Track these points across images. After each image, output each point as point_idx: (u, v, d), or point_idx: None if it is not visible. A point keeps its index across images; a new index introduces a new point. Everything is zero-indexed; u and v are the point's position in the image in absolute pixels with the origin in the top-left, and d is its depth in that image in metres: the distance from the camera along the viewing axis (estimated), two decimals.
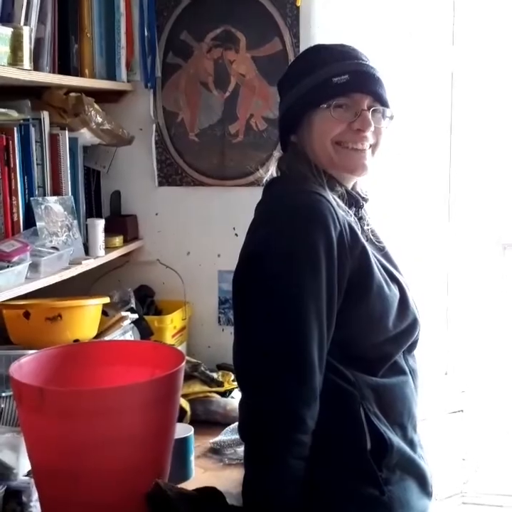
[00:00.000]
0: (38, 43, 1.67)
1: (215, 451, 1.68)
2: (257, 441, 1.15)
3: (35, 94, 1.80)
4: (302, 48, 1.97)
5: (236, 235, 2.04)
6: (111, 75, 2.00)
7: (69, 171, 1.83)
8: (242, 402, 1.20)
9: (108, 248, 1.94)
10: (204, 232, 2.12)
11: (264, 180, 1.33)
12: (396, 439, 1.19)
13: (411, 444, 1.24)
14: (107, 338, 1.78)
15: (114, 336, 1.80)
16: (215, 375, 1.94)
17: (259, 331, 1.15)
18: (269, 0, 2.01)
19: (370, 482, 1.16)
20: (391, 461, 1.18)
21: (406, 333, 1.24)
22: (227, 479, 1.52)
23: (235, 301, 1.25)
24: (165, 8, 2.05)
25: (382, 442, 1.17)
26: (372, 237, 1.28)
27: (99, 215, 2.03)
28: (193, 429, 1.59)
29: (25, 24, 1.58)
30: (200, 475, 1.58)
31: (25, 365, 1.37)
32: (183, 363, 1.39)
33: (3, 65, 1.45)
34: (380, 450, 1.17)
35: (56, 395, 1.27)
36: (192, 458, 1.58)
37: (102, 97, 1.98)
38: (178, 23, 2.05)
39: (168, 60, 2.08)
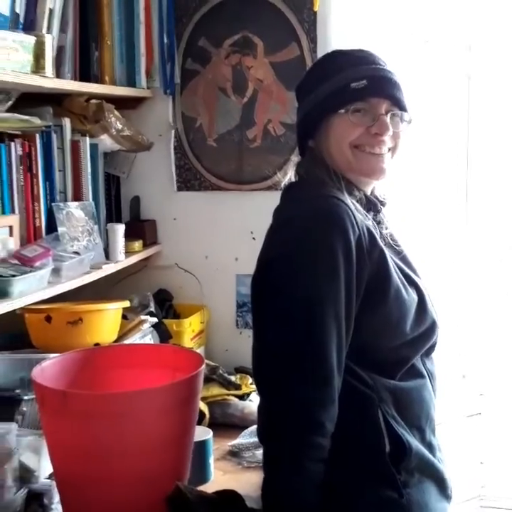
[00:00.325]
0: (60, 51, 1.69)
1: (234, 454, 1.69)
2: (275, 445, 1.16)
3: (56, 101, 1.82)
4: (319, 52, 1.98)
5: (254, 239, 2.05)
6: (131, 81, 2.02)
7: (90, 177, 1.85)
8: (260, 406, 1.21)
9: (127, 253, 1.96)
10: (222, 236, 2.14)
11: (282, 184, 1.34)
12: (414, 442, 1.20)
13: (429, 447, 1.24)
14: (126, 341, 1.80)
15: (134, 339, 1.82)
16: (233, 378, 1.95)
17: (277, 335, 1.16)
18: (286, 5, 2.02)
19: (388, 485, 1.17)
20: (410, 464, 1.18)
21: (424, 336, 1.25)
22: (246, 482, 1.53)
23: (254, 305, 1.26)
24: (184, 15, 2.07)
25: (400, 445, 1.18)
26: (390, 241, 1.29)
27: (119, 220, 2.05)
28: (211, 432, 1.60)
29: (47, 32, 1.60)
30: (220, 478, 1.59)
31: (47, 369, 1.39)
32: (203, 366, 1.41)
33: (26, 73, 1.48)
34: (399, 453, 1.18)
35: (78, 398, 1.28)
36: (211, 461, 1.59)
37: (121, 103, 2.00)
38: (197, 29, 2.07)
39: (186, 66, 2.10)
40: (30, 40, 1.49)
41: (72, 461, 1.30)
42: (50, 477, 1.40)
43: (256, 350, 1.25)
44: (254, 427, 1.75)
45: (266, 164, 2.05)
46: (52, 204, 1.72)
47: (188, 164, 2.13)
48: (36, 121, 1.64)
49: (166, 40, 2.06)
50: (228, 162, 2.11)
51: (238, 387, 1.92)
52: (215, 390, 1.89)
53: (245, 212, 2.10)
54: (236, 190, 2.11)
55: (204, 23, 2.07)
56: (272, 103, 2.06)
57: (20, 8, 1.55)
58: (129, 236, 1.98)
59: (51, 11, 1.64)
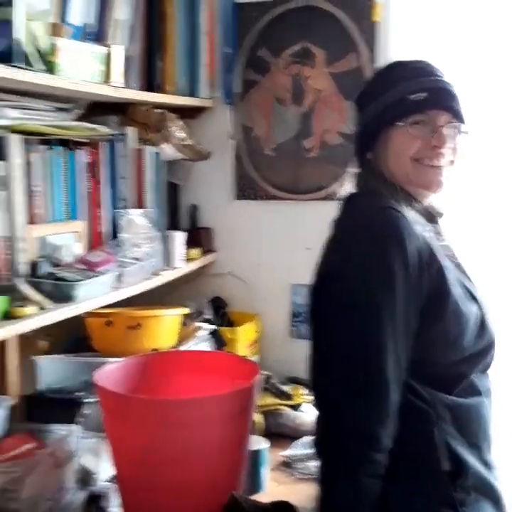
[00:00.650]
0: (127, 61, 1.72)
1: (286, 464, 1.69)
2: (331, 458, 1.15)
3: (120, 109, 1.85)
4: (378, 63, 1.97)
5: (309, 248, 2.04)
6: (192, 91, 2.04)
7: (151, 185, 1.88)
8: (317, 418, 1.21)
9: (185, 260, 1.98)
10: (277, 245, 2.14)
11: (340, 195, 1.34)
12: (472, 460, 1.18)
13: (486, 465, 1.21)
14: (183, 348, 1.81)
15: (190, 345, 1.83)
16: (285, 388, 1.95)
17: (334, 348, 1.16)
18: (346, 16, 2.01)
19: (444, 503, 1.15)
20: (466, 482, 1.16)
21: (482, 353, 1.23)
22: (300, 493, 1.52)
23: (311, 317, 1.26)
24: (245, 26, 2.09)
25: (458, 463, 1.16)
26: (448, 253, 1.27)
27: (177, 228, 2.07)
28: (267, 441, 1.61)
29: (116, 43, 1.64)
30: (273, 488, 1.59)
31: (109, 373, 1.41)
32: (260, 375, 1.41)
33: (98, 83, 1.51)
34: (456, 471, 1.16)
35: (141, 403, 1.30)
36: (265, 470, 1.59)
37: (181, 112, 2.02)
38: (257, 39, 2.09)
39: (246, 76, 2.11)
40: (101, 50, 1.52)
41: (133, 465, 1.32)
42: (109, 480, 1.42)
43: (313, 361, 1.25)
44: (306, 438, 1.75)
45: (322, 174, 2.05)
46: (115, 211, 1.75)
47: (246, 173, 2.14)
48: (104, 129, 1.67)
49: (227, 51, 2.08)
50: (285, 172, 2.11)
51: (290, 397, 1.92)
52: (268, 400, 1.89)
53: (301, 222, 2.10)
54: (292, 200, 2.11)
55: (265, 34, 2.08)
56: (330, 113, 2.06)
57: (91, 19, 1.59)
58: (187, 244, 1.99)
59: (120, 22, 1.68)
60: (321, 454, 1.17)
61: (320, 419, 1.19)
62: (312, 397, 1.81)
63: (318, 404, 1.22)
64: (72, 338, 1.78)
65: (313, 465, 1.58)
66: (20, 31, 1.32)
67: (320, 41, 2.05)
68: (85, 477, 1.41)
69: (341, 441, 1.13)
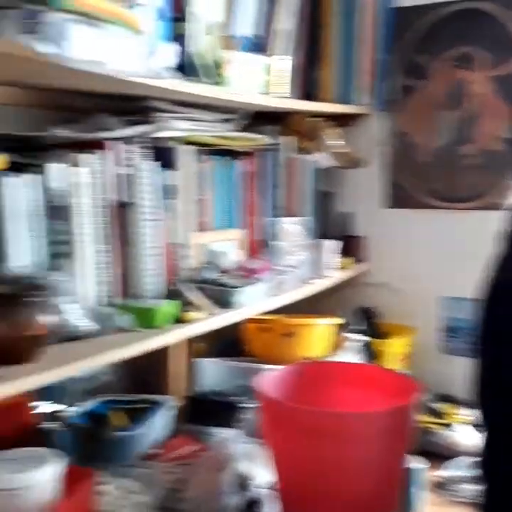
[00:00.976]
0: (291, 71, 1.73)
1: (440, 485, 1.63)
2: (497, 483, 1.09)
3: (276, 119, 1.86)
4: None
5: (466, 260, 1.95)
6: (347, 99, 2.03)
7: (306, 193, 1.88)
8: (485, 441, 1.15)
9: (338, 269, 1.96)
10: (432, 256, 2.06)
11: (506, 205, 1.26)
12: None
13: None
14: (334, 358, 1.79)
15: (341, 356, 1.81)
16: (436, 406, 1.88)
17: (503, 372, 1.10)
18: (509, 18, 1.92)
19: None
20: None
21: None
22: None
23: (480, 335, 1.20)
24: (402, 31, 2.04)
25: None
26: None
27: (328, 236, 2.06)
28: (426, 462, 1.55)
29: (280, 53, 1.65)
30: (425, 509, 1.53)
31: (269, 380, 1.43)
32: (419, 392, 1.37)
33: (264, 94, 1.53)
34: None
35: (305, 413, 1.30)
36: (420, 491, 1.53)
37: (336, 119, 2.01)
38: (414, 45, 2.04)
39: (402, 82, 2.07)
40: (268, 61, 1.54)
41: (292, 474, 1.33)
42: (265, 486, 1.43)
43: (478, 379, 1.19)
44: (462, 459, 1.68)
45: (481, 182, 1.97)
46: (272, 219, 1.77)
47: (399, 181, 2.09)
48: (264, 139, 1.69)
49: (382, 57, 2.05)
50: (441, 179, 2.04)
51: (443, 416, 1.85)
52: (419, 417, 1.83)
53: (457, 232, 2.01)
54: (448, 209, 2.04)
55: (422, 38, 2.03)
56: (491, 118, 1.97)
57: (257, 31, 1.61)
58: (339, 252, 1.98)
59: (284, 32, 1.69)
60: (486, 477, 1.12)
61: (486, 441, 1.13)
62: (471, 417, 1.74)
63: (485, 425, 1.16)
64: (224, 341, 1.81)
65: (471, 488, 1.51)
66: (193, 45, 1.37)
67: (480, 44, 1.96)
68: (242, 482, 1.42)
69: (507, 466, 1.06)
